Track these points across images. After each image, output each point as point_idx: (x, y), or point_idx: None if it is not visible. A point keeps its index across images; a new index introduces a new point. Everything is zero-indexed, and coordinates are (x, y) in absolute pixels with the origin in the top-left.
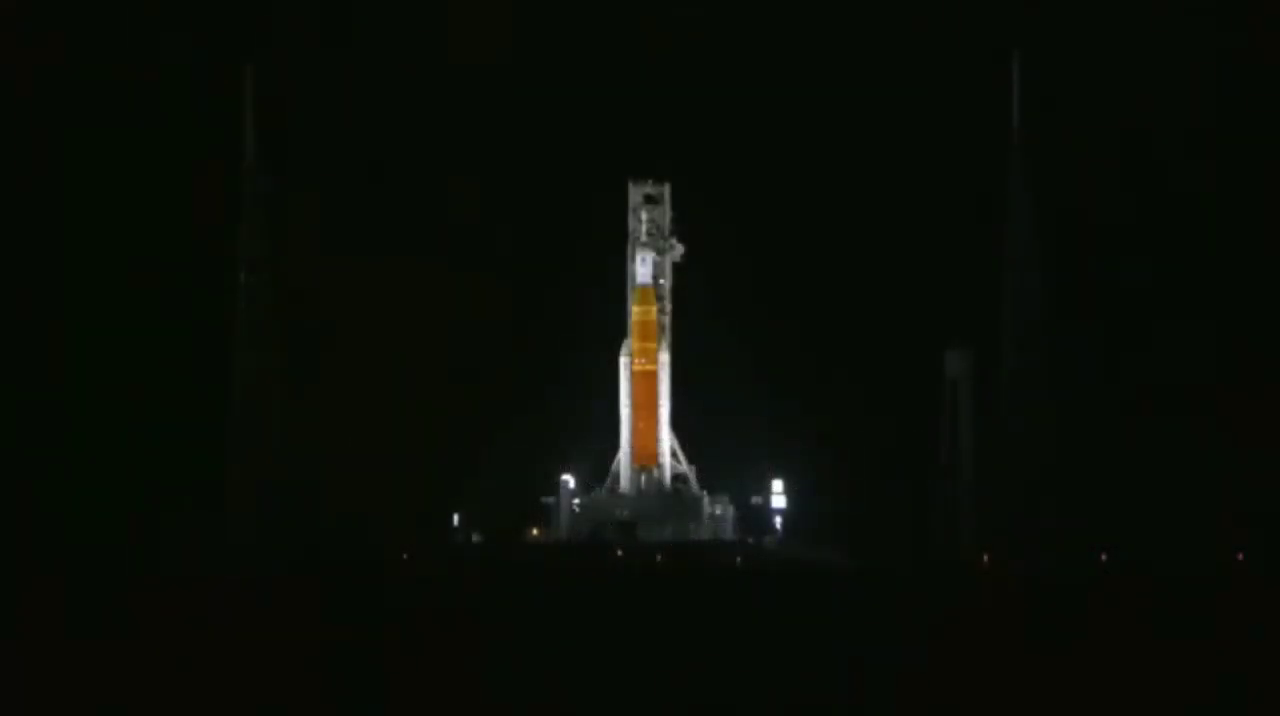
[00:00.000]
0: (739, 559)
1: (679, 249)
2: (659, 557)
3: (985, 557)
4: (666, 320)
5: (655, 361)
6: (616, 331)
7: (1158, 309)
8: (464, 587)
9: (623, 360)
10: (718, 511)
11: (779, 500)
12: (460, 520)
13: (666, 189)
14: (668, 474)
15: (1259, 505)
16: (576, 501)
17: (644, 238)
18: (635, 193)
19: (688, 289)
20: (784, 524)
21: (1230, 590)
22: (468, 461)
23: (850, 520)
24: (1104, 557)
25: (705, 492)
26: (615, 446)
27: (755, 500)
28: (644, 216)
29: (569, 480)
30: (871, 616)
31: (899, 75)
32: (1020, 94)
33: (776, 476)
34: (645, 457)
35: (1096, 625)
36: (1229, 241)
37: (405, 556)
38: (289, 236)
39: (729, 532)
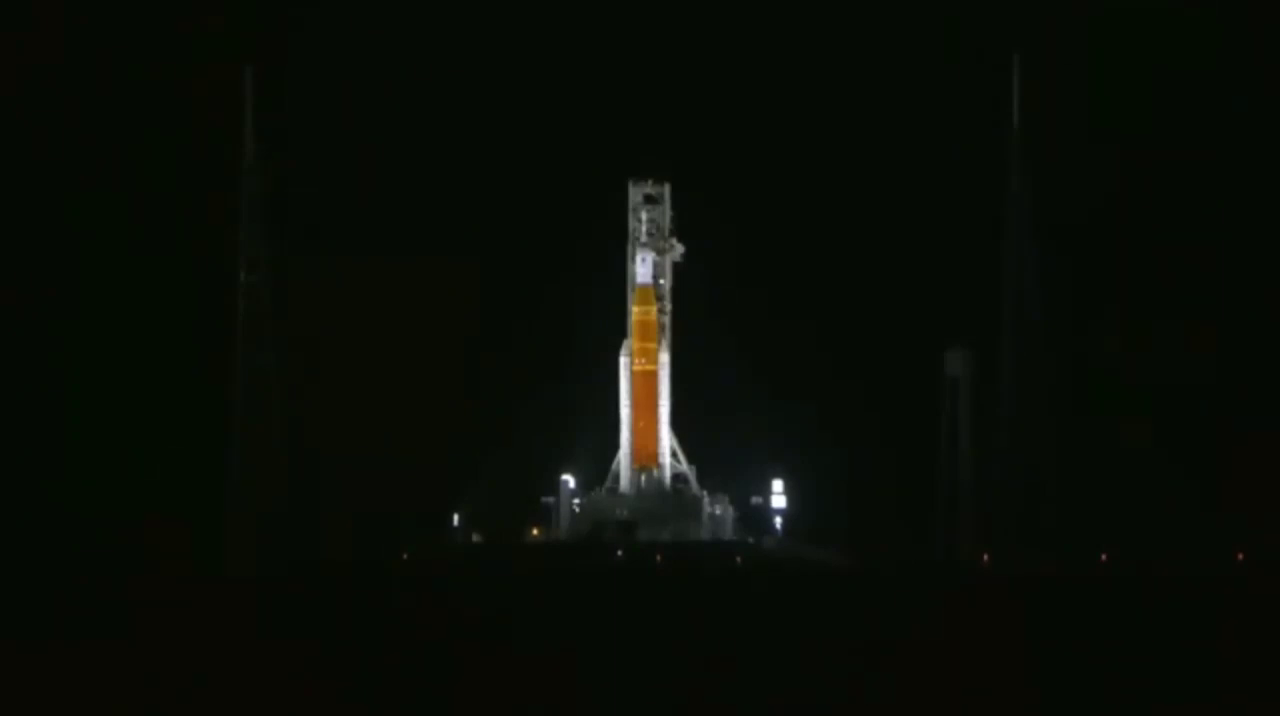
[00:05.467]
0: (739, 559)
1: (679, 249)
2: (659, 557)
3: (985, 557)
4: (666, 320)
5: (655, 361)
6: (616, 331)
7: (1158, 308)
8: (464, 587)
9: (623, 360)
10: (718, 511)
11: (779, 500)
12: (460, 520)
13: (666, 189)
14: (668, 474)
15: (1259, 505)
16: (576, 501)
17: (644, 238)
18: (635, 193)
19: (688, 289)
20: (784, 524)
21: (1230, 590)
22: (468, 461)
23: (850, 520)
24: (1104, 557)
25: (705, 492)
26: (615, 446)
27: (755, 500)
28: (644, 216)
29: (569, 480)
30: (871, 616)
31: (899, 75)
32: (1020, 94)
33: (776, 476)
34: (645, 457)
35: (1096, 625)
36: (1230, 241)
37: (405, 556)
38: (289, 236)
39: (729, 532)
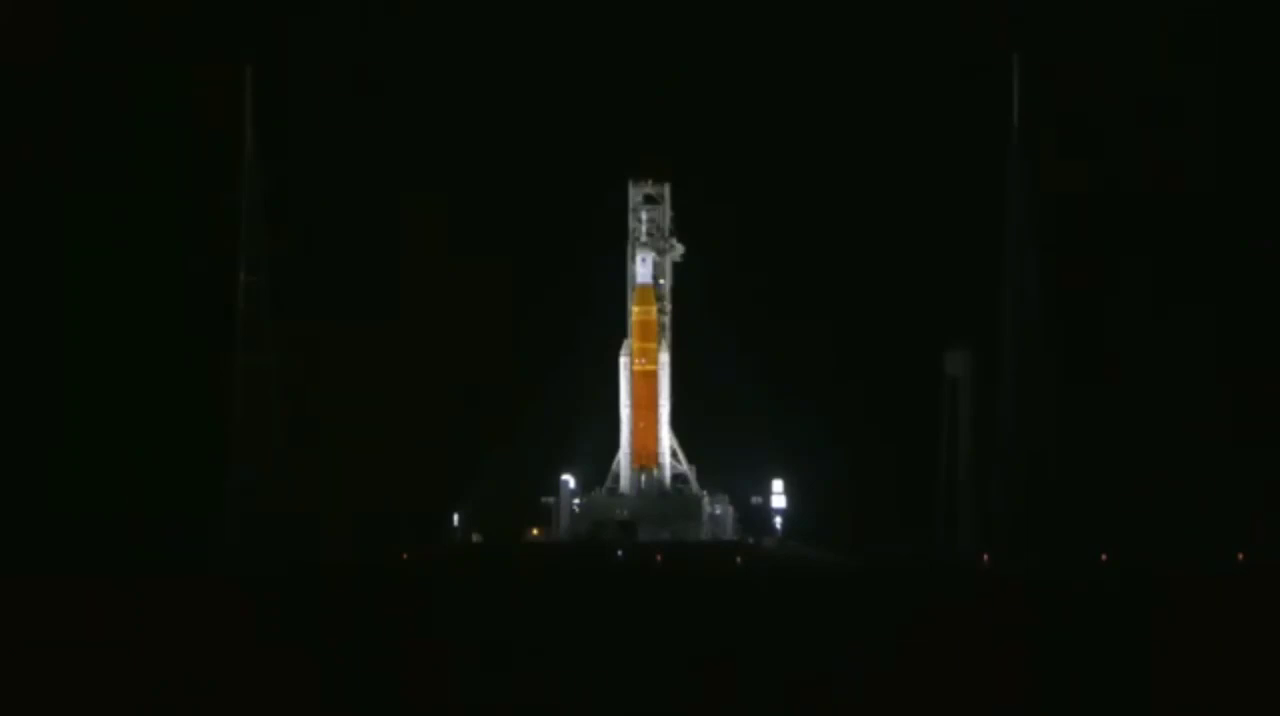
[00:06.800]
0: (739, 559)
1: (679, 249)
2: (659, 557)
3: (985, 557)
4: (666, 320)
5: (655, 361)
6: (616, 331)
7: (1158, 307)
8: (464, 587)
9: (623, 360)
10: (718, 511)
11: (779, 500)
12: (460, 520)
13: (666, 189)
14: (668, 474)
15: (1259, 505)
16: (576, 501)
17: (644, 238)
18: (635, 193)
19: (688, 289)
20: (784, 524)
21: (1230, 590)
22: (468, 461)
23: (850, 520)
24: (1104, 557)
25: (705, 492)
26: (615, 446)
27: (755, 500)
28: (644, 216)
29: (569, 480)
30: (872, 616)
31: (899, 75)
32: (1020, 94)
33: (776, 476)
34: (645, 457)
35: (1096, 625)
36: (1230, 239)
37: (405, 556)
38: (289, 236)
39: (729, 532)
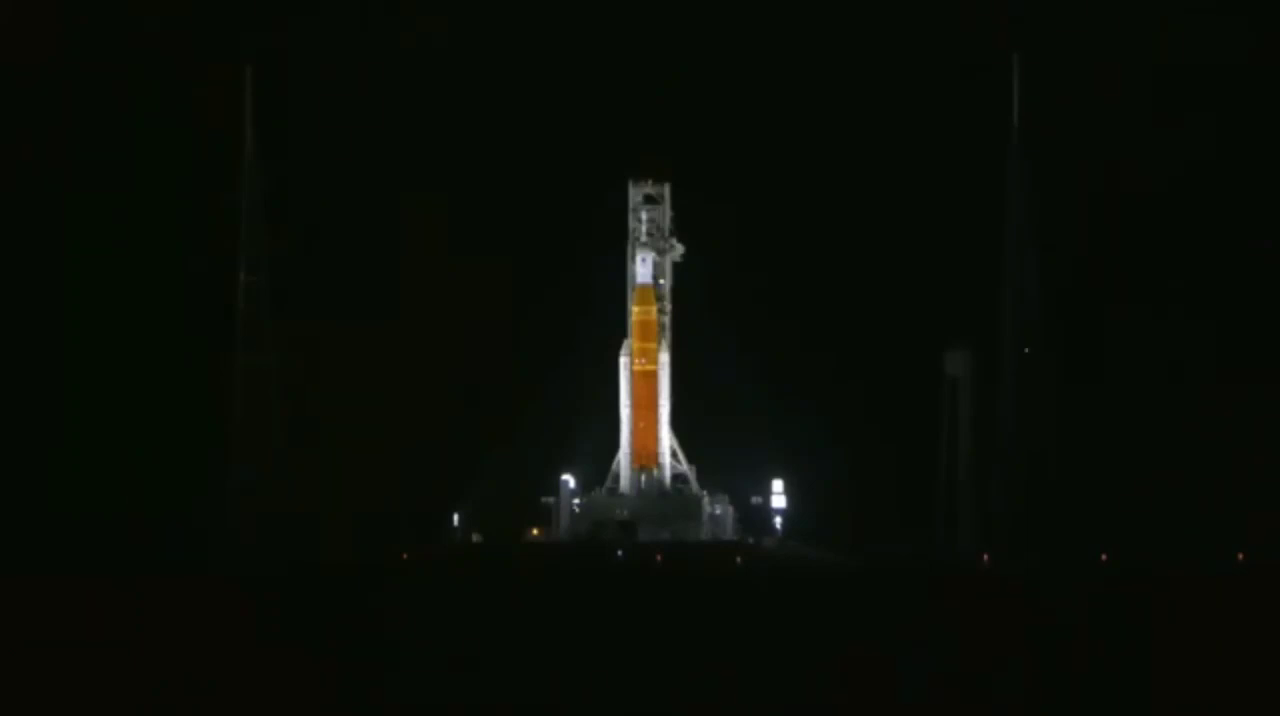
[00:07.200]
0: (739, 559)
1: (679, 249)
2: (659, 557)
3: (985, 557)
4: (666, 320)
5: (655, 361)
6: (616, 331)
7: (1158, 307)
8: (464, 588)
9: (623, 360)
10: (718, 511)
11: (779, 500)
12: (460, 520)
13: (666, 189)
14: (668, 474)
15: (1259, 504)
16: (576, 501)
17: (644, 238)
18: (635, 193)
19: (688, 289)
20: (784, 524)
21: (1230, 590)
22: (468, 461)
23: (850, 520)
24: (1104, 557)
25: (705, 492)
26: (615, 446)
27: (755, 500)
28: (644, 216)
29: (569, 480)
30: (871, 616)
31: (899, 74)
32: (1020, 94)
33: (776, 476)
34: (645, 457)
35: (1096, 625)
36: (1230, 239)
37: (405, 556)
38: (289, 236)
39: (729, 532)
